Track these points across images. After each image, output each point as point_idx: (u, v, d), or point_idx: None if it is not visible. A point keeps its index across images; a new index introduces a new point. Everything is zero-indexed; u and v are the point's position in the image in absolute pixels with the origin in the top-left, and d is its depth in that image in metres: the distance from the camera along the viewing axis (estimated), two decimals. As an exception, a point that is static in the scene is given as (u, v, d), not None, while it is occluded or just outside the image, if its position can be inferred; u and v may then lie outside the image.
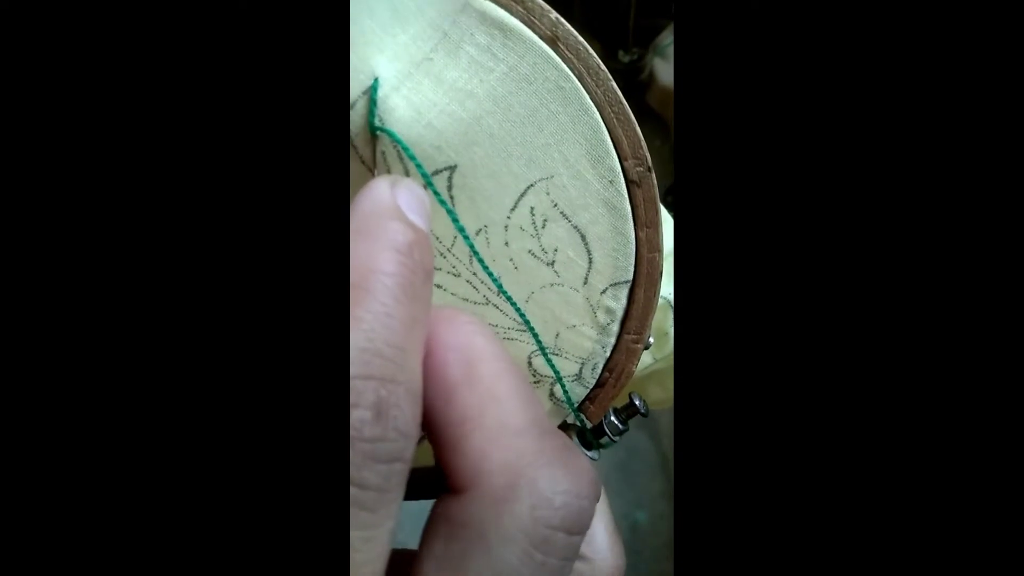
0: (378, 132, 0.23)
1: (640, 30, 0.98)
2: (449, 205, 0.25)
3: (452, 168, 0.24)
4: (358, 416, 0.17)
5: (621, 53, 0.99)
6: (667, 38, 0.99)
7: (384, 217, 0.20)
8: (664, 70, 0.99)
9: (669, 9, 0.96)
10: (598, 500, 0.22)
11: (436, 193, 0.24)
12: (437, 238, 0.25)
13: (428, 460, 0.24)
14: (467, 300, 0.26)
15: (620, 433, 0.28)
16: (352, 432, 0.17)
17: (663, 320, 0.38)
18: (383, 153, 0.24)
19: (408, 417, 0.18)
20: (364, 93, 0.23)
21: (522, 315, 0.27)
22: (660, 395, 0.45)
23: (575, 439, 0.29)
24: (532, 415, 0.21)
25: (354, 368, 0.17)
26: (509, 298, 0.27)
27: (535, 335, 0.27)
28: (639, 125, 0.26)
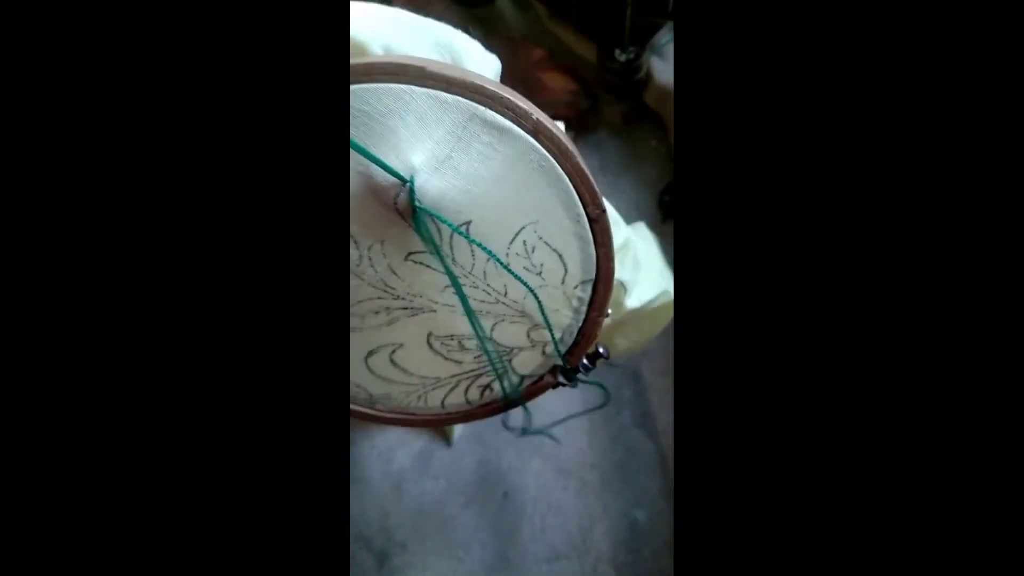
0: (418, 208, 0.36)
1: (636, 29, 1.01)
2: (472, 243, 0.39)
3: (468, 223, 0.38)
4: None
5: (618, 52, 1.01)
6: (664, 37, 1.04)
7: None
8: (661, 69, 1.03)
9: (665, 8, 1.01)
10: None
11: (466, 236, 0.38)
12: (461, 266, 0.39)
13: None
14: (484, 301, 0.41)
15: (588, 371, 0.46)
16: None
17: (619, 295, 0.58)
18: (423, 220, 0.37)
19: None
20: (405, 184, 0.35)
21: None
22: (624, 344, 0.65)
23: (560, 376, 0.46)
24: None
25: None
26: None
27: (546, 322, 0.42)
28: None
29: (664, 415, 0.98)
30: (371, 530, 0.95)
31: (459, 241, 0.38)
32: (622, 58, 1.00)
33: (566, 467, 0.98)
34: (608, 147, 1.10)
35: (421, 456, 0.98)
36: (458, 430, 0.98)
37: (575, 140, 0.62)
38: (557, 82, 1.07)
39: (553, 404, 0.99)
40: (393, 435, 1.00)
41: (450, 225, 0.37)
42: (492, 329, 0.42)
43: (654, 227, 1.09)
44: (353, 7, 0.39)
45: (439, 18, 0.92)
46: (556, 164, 0.37)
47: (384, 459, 0.98)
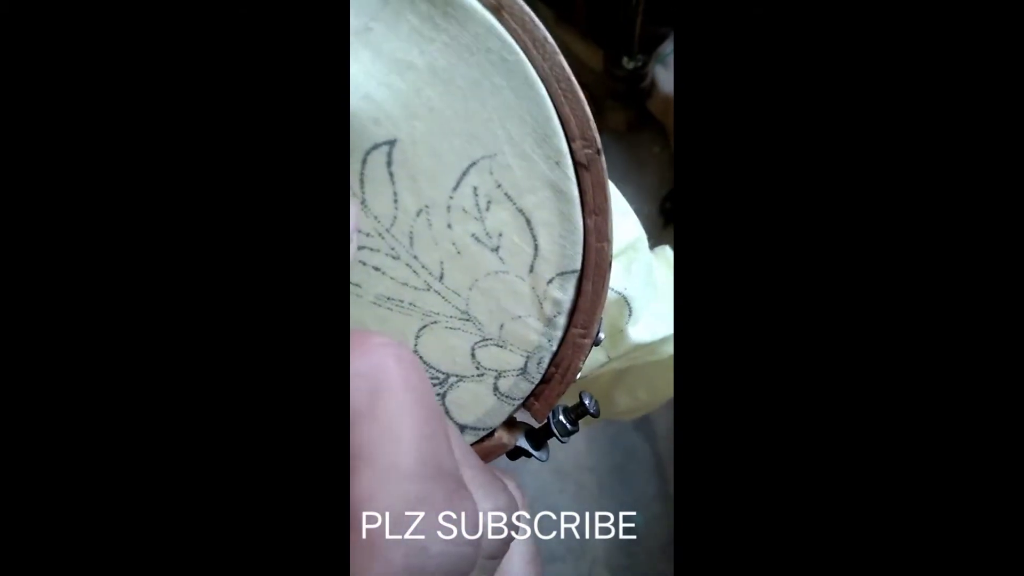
0: None
1: (644, 37, 1.03)
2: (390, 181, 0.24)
3: (392, 142, 0.23)
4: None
5: (626, 60, 1.02)
6: (668, 47, 1.06)
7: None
8: (665, 78, 1.04)
9: (674, 18, 1.03)
10: (511, 531, 0.22)
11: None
12: (375, 217, 0.24)
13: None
14: (407, 285, 0.25)
15: (569, 434, 0.28)
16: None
17: (618, 317, 0.35)
18: None
19: None
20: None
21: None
22: (628, 403, 0.43)
23: (524, 439, 0.29)
24: (429, 455, 0.20)
25: None
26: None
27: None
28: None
29: (662, 419, 0.97)
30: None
31: (374, 172, 0.24)
32: (630, 66, 0.97)
33: (563, 469, 0.97)
34: (611, 153, 1.09)
35: (418, 456, 0.98)
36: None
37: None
38: (562, 87, 1.09)
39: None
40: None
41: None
42: (416, 337, 0.26)
43: (654, 233, 1.09)
44: None
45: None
46: (527, 62, 0.23)
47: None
